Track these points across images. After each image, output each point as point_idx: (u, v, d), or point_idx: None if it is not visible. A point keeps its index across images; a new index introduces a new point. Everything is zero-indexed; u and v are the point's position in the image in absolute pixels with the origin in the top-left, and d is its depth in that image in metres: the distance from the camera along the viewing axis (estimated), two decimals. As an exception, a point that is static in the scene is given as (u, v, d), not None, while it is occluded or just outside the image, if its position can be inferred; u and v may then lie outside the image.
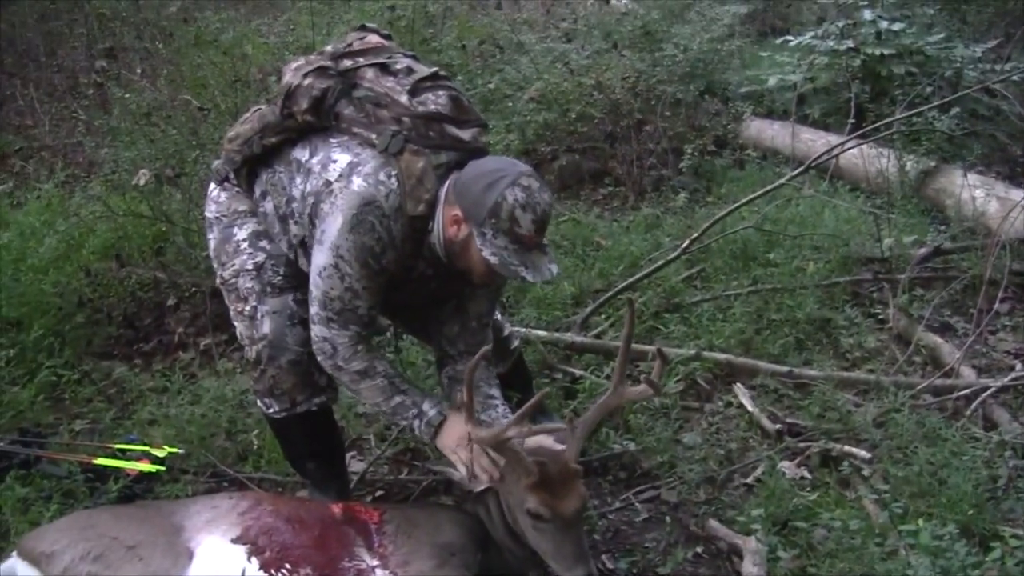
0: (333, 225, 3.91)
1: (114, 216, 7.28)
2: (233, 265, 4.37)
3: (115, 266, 7.00)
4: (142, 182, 6.76)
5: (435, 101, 4.04)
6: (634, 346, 5.76)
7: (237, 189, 4.45)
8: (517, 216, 3.72)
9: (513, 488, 3.84)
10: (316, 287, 4.02)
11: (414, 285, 4.23)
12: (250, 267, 4.33)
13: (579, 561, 3.66)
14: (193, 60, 9.20)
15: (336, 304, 4.00)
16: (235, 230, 4.41)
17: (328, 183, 3.97)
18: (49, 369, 6.04)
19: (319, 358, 4.14)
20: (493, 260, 3.77)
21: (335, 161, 4.01)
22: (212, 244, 4.50)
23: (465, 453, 3.98)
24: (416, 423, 4.13)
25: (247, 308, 4.33)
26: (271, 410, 4.43)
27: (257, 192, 4.37)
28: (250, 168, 4.37)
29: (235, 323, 4.43)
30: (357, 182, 3.89)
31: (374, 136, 3.97)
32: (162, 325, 6.83)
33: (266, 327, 4.28)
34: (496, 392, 4.31)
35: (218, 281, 4.49)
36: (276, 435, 4.69)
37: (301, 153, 4.17)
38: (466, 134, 4.06)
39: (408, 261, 4.08)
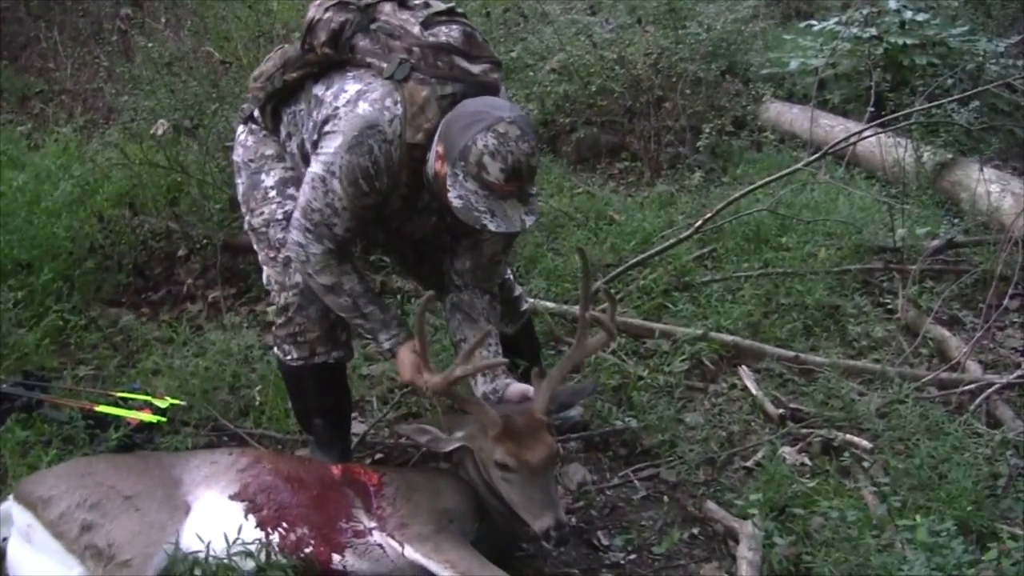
0: (333, 143, 3.96)
1: (130, 164, 7.28)
2: (262, 213, 4.40)
3: (128, 214, 6.99)
4: (160, 132, 6.74)
5: (447, 33, 4.06)
6: (642, 323, 5.82)
7: (264, 132, 4.47)
8: (485, 163, 3.70)
9: (483, 443, 3.88)
10: (303, 194, 4.08)
11: (422, 218, 4.27)
12: (280, 216, 4.35)
13: (547, 510, 3.69)
14: (218, 12, 9.16)
15: (315, 216, 4.03)
16: (263, 176, 4.44)
17: (336, 109, 4.01)
18: (56, 313, 6.05)
19: (293, 263, 4.20)
20: (456, 203, 3.79)
21: (346, 91, 4.04)
22: (240, 189, 4.53)
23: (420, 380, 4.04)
24: (374, 346, 4.28)
25: (280, 256, 4.35)
26: (288, 357, 4.46)
27: (283, 133, 4.39)
28: (274, 107, 4.40)
29: (265, 267, 4.46)
30: (363, 106, 3.93)
31: (385, 66, 3.99)
32: (171, 276, 6.84)
33: (298, 276, 4.30)
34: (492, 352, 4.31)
35: (246, 227, 4.52)
36: (288, 386, 4.72)
37: (319, 89, 4.20)
38: (476, 68, 4.05)
39: (407, 191, 4.11)
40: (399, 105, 3.92)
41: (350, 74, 4.12)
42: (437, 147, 3.87)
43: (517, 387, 4.18)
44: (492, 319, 4.40)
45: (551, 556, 4.17)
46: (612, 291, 5.98)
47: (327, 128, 4.02)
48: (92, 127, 9.29)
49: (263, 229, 4.40)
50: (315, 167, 4.03)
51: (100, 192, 7.18)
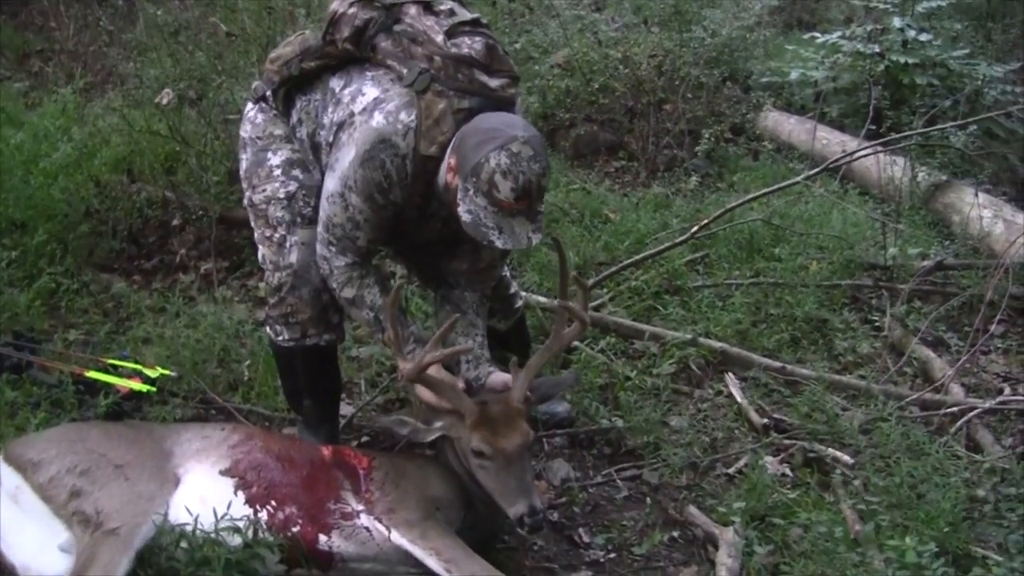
0: (347, 156, 3.99)
1: (130, 130, 7.27)
2: (264, 191, 4.41)
3: (125, 180, 7.01)
4: (165, 101, 6.74)
5: (470, 45, 4.07)
6: (631, 324, 5.86)
7: (274, 112, 4.48)
8: (496, 181, 3.74)
9: (460, 431, 3.93)
10: (323, 210, 4.13)
11: (429, 224, 4.29)
12: (282, 196, 4.37)
13: (521, 496, 3.75)
14: (225, -18, 9.15)
15: (337, 231, 4.09)
16: (269, 155, 4.45)
17: (352, 114, 4.05)
18: (49, 276, 6.08)
19: (321, 272, 4.24)
20: (466, 218, 3.83)
21: (364, 94, 4.07)
22: (244, 165, 4.54)
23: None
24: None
25: (276, 235, 4.37)
26: (280, 337, 4.48)
27: (294, 118, 4.41)
28: (287, 92, 4.41)
29: (260, 246, 4.47)
30: (377, 118, 3.96)
31: (405, 71, 4.01)
32: (165, 245, 6.85)
33: (293, 257, 4.34)
34: (477, 343, 4.36)
35: (246, 203, 4.53)
36: (279, 366, 4.75)
37: (337, 83, 4.23)
38: (495, 82, 4.07)
39: (420, 200, 4.14)
40: (413, 118, 3.94)
41: (369, 74, 4.15)
42: (450, 159, 3.90)
43: (499, 376, 4.22)
44: (480, 314, 4.43)
45: (532, 549, 4.22)
46: (604, 289, 6.06)
47: (342, 137, 4.06)
48: (92, 89, 9.27)
49: (263, 207, 4.42)
50: (331, 183, 4.08)
51: (98, 156, 7.18)
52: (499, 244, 3.83)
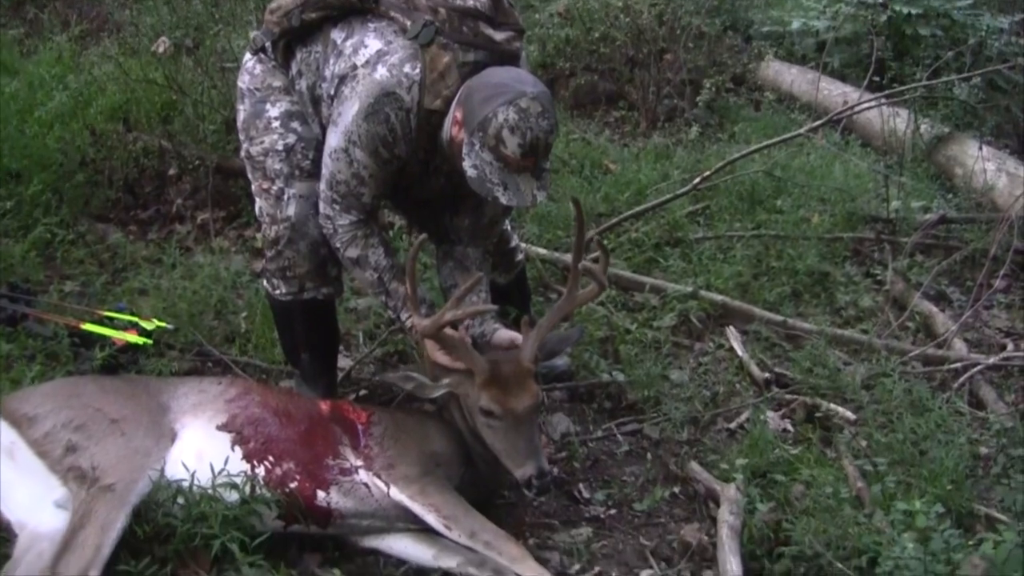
0: (350, 110, 3.93)
1: (126, 79, 7.19)
2: (262, 143, 4.34)
3: (121, 129, 6.91)
4: (161, 50, 6.66)
5: None
6: (632, 276, 5.82)
7: (273, 63, 4.40)
8: (503, 136, 3.69)
9: (469, 389, 3.88)
10: (326, 167, 4.07)
11: (432, 179, 4.25)
12: (280, 148, 4.30)
13: (529, 458, 3.73)
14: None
15: (341, 188, 4.03)
16: (267, 106, 4.37)
17: (354, 67, 3.97)
18: (45, 226, 6.00)
19: (324, 232, 4.18)
20: (471, 172, 3.80)
21: (366, 47, 3.99)
22: (241, 116, 4.46)
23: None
24: (397, 323, 4.28)
25: (274, 188, 4.31)
26: (278, 291, 4.44)
27: (294, 70, 4.32)
28: (287, 43, 4.32)
29: (257, 199, 4.41)
30: (381, 71, 3.89)
31: (409, 23, 3.93)
32: (162, 194, 6.77)
33: (291, 210, 4.28)
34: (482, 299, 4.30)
35: (243, 154, 4.46)
36: (276, 320, 4.71)
37: (338, 35, 4.13)
38: (500, 36, 4.01)
39: (423, 155, 4.09)
40: (417, 71, 3.88)
41: (371, 26, 4.05)
42: (455, 112, 3.85)
43: (504, 333, 4.19)
44: (484, 269, 4.38)
45: (532, 506, 4.18)
46: (604, 241, 6.00)
47: (344, 90, 3.99)
48: (88, 37, 9.17)
49: (260, 158, 4.35)
50: (334, 139, 4.01)
51: (94, 105, 7.08)
52: (504, 201, 3.79)
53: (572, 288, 4.09)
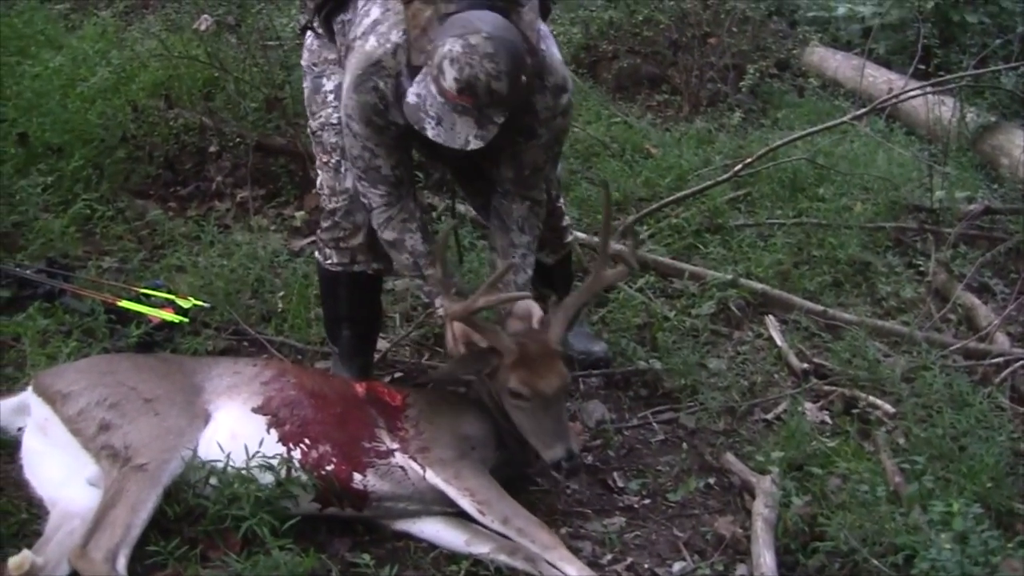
0: (344, 83, 3.93)
1: (169, 56, 7.18)
2: (320, 117, 4.36)
3: (163, 105, 6.92)
4: (203, 27, 6.65)
5: None
6: (671, 262, 5.79)
7: (325, 37, 4.37)
8: (443, 67, 3.57)
9: (498, 370, 3.86)
10: (346, 143, 4.07)
11: None
12: (335, 121, 4.28)
13: (558, 440, 3.70)
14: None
15: (359, 163, 4.02)
16: (324, 80, 4.38)
17: (354, 39, 3.95)
18: (84, 202, 5.99)
19: (366, 208, 4.17)
20: (411, 99, 3.70)
21: (369, 15, 3.95)
22: (305, 93, 4.49)
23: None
24: (431, 307, 4.24)
25: (332, 160, 4.33)
26: (329, 261, 4.45)
27: (338, 41, 4.26)
28: (326, 15, 4.28)
29: (319, 171, 4.44)
30: (371, 41, 3.85)
31: None
32: (202, 171, 6.76)
33: (348, 181, 4.27)
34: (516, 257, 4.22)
35: (308, 130, 4.48)
36: (323, 290, 4.70)
37: (360, 1, 4.08)
38: None
39: None
40: (401, 32, 3.80)
41: None
42: None
43: (524, 304, 4.09)
44: (527, 230, 4.25)
45: (565, 493, 4.16)
46: (643, 226, 5.96)
47: (346, 62, 3.99)
48: (131, 13, 9.20)
49: (320, 133, 4.37)
50: (336, 114, 4.05)
51: (136, 81, 7.08)
52: (430, 134, 3.68)
53: (599, 269, 4.06)
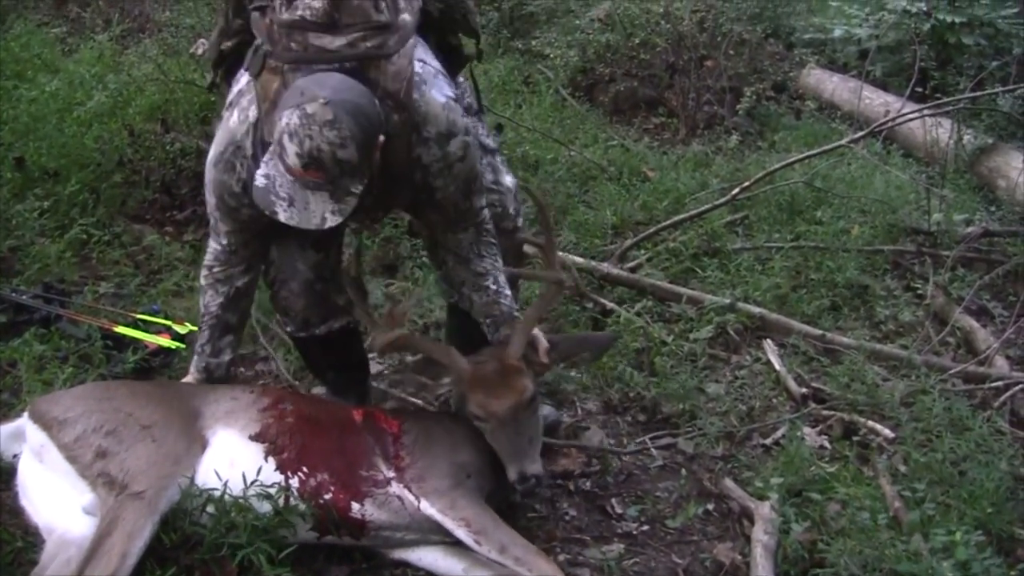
0: (209, 153, 3.76)
1: (165, 80, 7.19)
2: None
3: (159, 129, 6.91)
4: (200, 51, 6.64)
5: (308, 4, 3.47)
6: (669, 286, 5.78)
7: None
8: (284, 142, 3.28)
9: (460, 391, 3.88)
10: None
11: (387, 196, 3.84)
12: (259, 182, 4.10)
13: (515, 459, 3.72)
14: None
15: (210, 219, 3.90)
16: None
17: (226, 106, 3.75)
18: (81, 226, 5.99)
19: None
20: (259, 182, 3.41)
21: (238, 81, 3.76)
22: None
23: None
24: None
25: None
26: (288, 328, 4.40)
27: None
28: (225, 72, 4.05)
29: None
30: (233, 116, 3.65)
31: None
32: (198, 195, 6.69)
33: (274, 251, 4.15)
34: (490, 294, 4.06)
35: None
36: (296, 349, 4.66)
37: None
38: (338, 41, 3.48)
39: None
40: (254, 109, 3.59)
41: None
42: None
43: (505, 331, 4.02)
44: (484, 250, 4.01)
45: (563, 520, 4.14)
46: (641, 250, 5.96)
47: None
48: (128, 37, 9.21)
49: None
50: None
51: (132, 105, 7.09)
52: (283, 219, 3.39)
53: (552, 278, 4.04)
